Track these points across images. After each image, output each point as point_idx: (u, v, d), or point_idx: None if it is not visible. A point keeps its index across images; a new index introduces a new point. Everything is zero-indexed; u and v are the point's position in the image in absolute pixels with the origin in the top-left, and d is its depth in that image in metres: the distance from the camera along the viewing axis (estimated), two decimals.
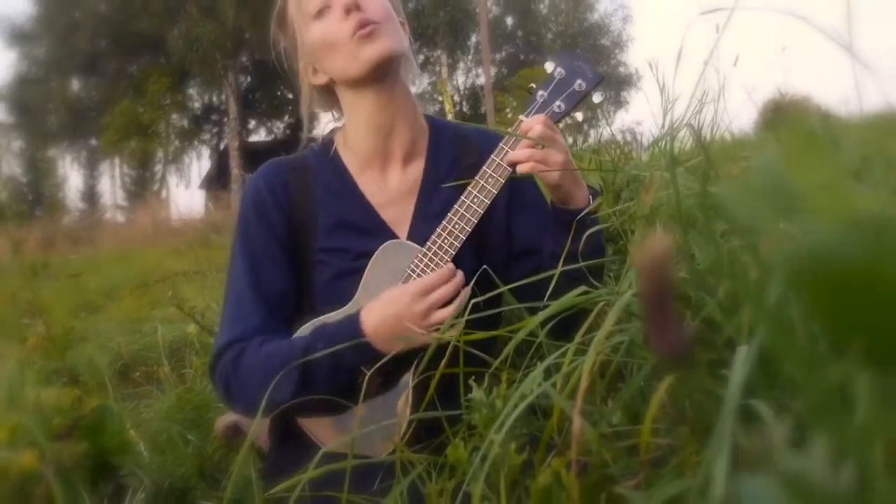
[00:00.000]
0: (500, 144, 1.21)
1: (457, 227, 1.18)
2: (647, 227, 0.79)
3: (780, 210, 0.18)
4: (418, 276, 1.18)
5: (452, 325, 1.05)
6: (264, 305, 1.23)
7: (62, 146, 33.30)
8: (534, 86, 1.27)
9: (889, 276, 0.14)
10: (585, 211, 1.17)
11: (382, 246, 1.21)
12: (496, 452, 0.69)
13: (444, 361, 0.84)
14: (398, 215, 1.28)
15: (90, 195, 34.12)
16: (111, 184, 34.41)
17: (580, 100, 1.24)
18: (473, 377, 0.79)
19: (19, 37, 30.92)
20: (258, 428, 1.46)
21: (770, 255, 0.15)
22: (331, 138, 1.35)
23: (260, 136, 31.28)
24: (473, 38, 30.93)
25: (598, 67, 1.38)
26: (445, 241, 1.18)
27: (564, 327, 0.83)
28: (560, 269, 0.95)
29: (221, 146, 30.64)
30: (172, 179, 31.74)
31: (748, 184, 0.16)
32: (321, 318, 1.20)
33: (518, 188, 1.28)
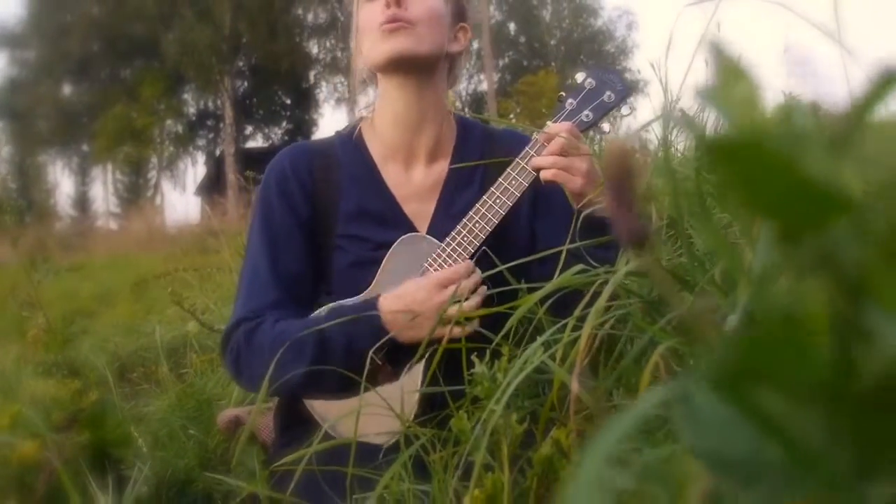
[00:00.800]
0: (527, 148, 1.24)
1: (477, 225, 1.22)
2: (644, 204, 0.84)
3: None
4: (436, 270, 1.21)
5: (467, 321, 1.09)
6: (281, 284, 1.26)
7: (53, 152, 33.39)
8: (563, 94, 1.31)
9: (785, 158, 0.19)
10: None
11: (402, 238, 1.24)
12: (499, 423, 0.74)
13: (444, 340, 0.89)
14: (419, 210, 1.32)
15: (81, 202, 34.21)
16: (103, 190, 34.50)
17: (608, 111, 1.28)
18: (476, 353, 0.84)
19: (9, 40, 31.03)
20: (260, 419, 1.50)
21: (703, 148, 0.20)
22: (357, 127, 1.38)
23: (257, 142, 31.33)
24: (476, 44, 31.08)
25: None
26: (465, 238, 1.22)
27: (563, 307, 0.88)
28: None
29: (217, 152, 30.72)
30: (167, 186, 31.86)
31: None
32: (337, 302, 1.24)
33: (545, 193, 1.30)
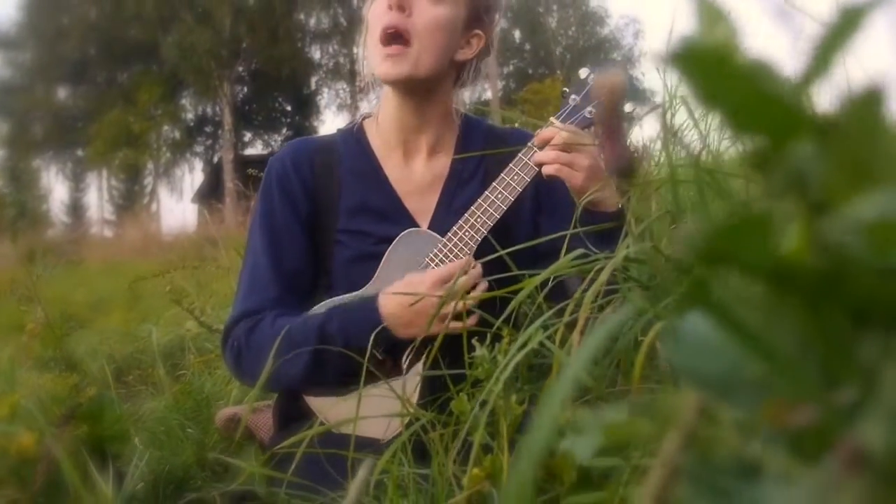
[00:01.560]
0: (529, 143, 1.27)
1: (479, 220, 1.24)
2: (643, 195, 0.87)
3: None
4: (437, 265, 1.24)
5: (469, 314, 1.11)
6: (281, 280, 1.29)
7: (47, 156, 33.51)
8: (566, 90, 1.33)
9: (750, 70, 0.21)
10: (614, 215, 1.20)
11: (403, 233, 1.27)
12: (498, 404, 0.76)
13: (445, 324, 0.91)
14: (421, 206, 1.34)
15: (75, 208, 34.30)
16: (98, 196, 34.60)
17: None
18: (476, 337, 0.86)
19: (3, 43, 31.23)
20: (259, 418, 1.52)
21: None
22: (359, 123, 1.41)
23: (256, 148, 31.46)
24: None
25: None
26: (466, 233, 1.24)
27: (563, 296, 0.90)
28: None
29: (215, 159, 30.81)
30: (163, 193, 31.95)
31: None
32: (337, 298, 1.26)
33: (549, 190, 1.32)
